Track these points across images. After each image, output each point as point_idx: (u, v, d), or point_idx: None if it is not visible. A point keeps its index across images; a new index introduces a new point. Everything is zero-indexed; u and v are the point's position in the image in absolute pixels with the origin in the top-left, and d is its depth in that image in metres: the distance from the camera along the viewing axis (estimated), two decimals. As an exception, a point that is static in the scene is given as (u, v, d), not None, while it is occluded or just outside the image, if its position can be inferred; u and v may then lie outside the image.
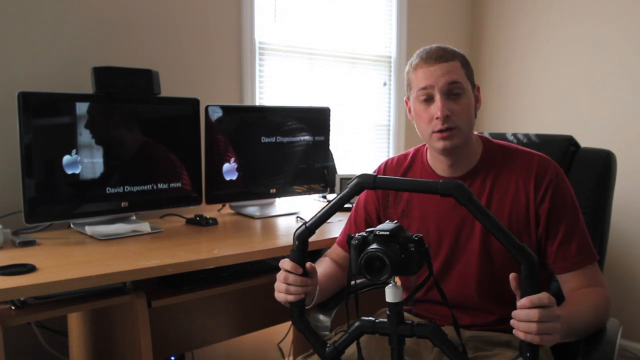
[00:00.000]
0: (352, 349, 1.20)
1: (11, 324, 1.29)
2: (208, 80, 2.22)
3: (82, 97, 1.68)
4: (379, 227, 0.96)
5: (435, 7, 3.08)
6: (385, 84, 2.89)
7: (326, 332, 1.37)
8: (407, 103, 1.33)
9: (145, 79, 1.79)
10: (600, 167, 1.45)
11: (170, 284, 1.55)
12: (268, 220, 1.99)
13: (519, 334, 0.91)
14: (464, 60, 1.25)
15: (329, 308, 1.42)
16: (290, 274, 1.06)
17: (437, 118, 1.21)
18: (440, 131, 1.21)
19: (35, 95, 1.57)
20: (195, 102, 1.90)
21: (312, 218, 1.00)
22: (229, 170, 2.00)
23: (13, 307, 1.32)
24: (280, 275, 1.09)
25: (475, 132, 1.34)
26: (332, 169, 2.31)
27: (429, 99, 1.23)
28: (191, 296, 1.56)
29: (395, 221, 0.99)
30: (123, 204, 1.77)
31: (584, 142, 1.55)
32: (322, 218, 1.00)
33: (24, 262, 1.33)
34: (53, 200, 1.63)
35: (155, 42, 2.07)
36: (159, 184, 1.84)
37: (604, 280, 1.24)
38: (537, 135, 1.59)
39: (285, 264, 1.08)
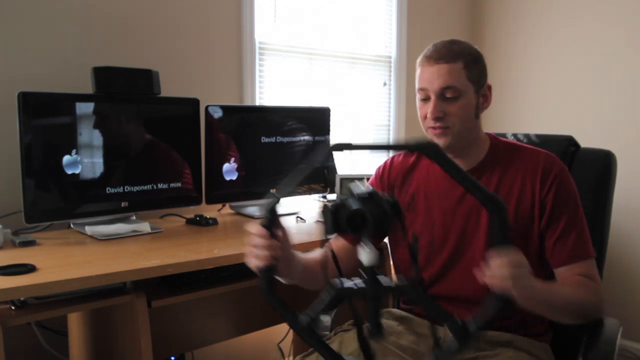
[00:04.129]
0: (351, 348, 1.20)
1: (11, 324, 1.29)
2: (208, 80, 2.22)
3: (82, 97, 1.68)
4: (356, 190, 0.98)
5: (435, 7, 3.08)
6: (385, 84, 2.89)
7: (326, 332, 1.37)
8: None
9: (145, 79, 1.79)
10: (600, 167, 1.45)
11: (170, 284, 1.55)
12: (268, 220, 1.99)
13: (492, 281, 0.93)
14: (470, 60, 1.24)
15: (329, 308, 1.42)
16: (258, 238, 1.03)
17: (429, 117, 1.25)
18: (433, 128, 1.26)
19: (35, 95, 1.57)
20: (195, 102, 1.90)
21: (281, 186, 1.01)
22: (229, 170, 2.00)
23: (13, 307, 1.32)
24: (247, 239, 1.05)
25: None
26: (332, 169, 2.31)
27: (426, 98, 1.26)
28: (191, 296, 1.56)
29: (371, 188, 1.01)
30: (123, 204, 1.77)
31: (584, 142, 1.55)
32: (291, 184, 1.01)
33: (24, 262, 1.33)
34: (53, 201, 1.63)
35: (155, 42, 2.07)
36: (159, 184, 1.84)
37: (597, 277, 1.24)
38: (537, 136, 1.59)
39: (254, 227, 1.05)
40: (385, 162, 1.45)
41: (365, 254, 0.96)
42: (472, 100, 1.26)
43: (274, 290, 1.03)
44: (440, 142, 1.25)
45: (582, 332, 1.29)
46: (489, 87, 1.31)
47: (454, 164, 0.92)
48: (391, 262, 1.47)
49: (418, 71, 1.28)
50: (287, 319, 1.01)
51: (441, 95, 1.23)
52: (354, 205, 0.94)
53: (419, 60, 1.29)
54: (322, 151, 0.99)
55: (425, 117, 1.27)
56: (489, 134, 1.36)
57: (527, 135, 1.60)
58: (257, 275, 1.04)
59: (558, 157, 1.31)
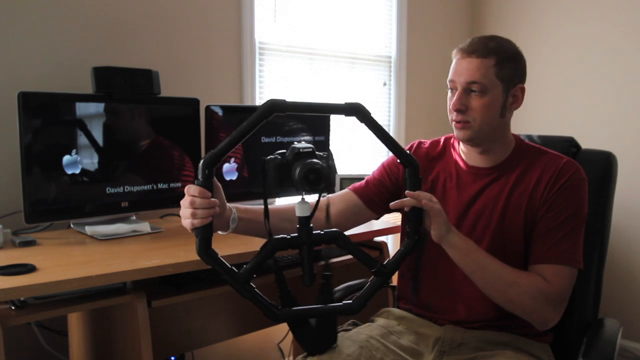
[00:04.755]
0: (351, 348, 1.20)
1: (11, 324, 1.29)
2: (208, 80, 2.22)
3: (82, 97, 1.68)
4: (298, 145, 1.09)
5: (435, 7, 3.08)
6: (385, 84, 2.89)
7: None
8: None
9: (145, 79, 1.79)
10: (601, 168, 1.45)
11: (170, 284, 1.55)
12: (268, 220, 1.99)
13: (419, 200, 1.11)
14: (504, 57, 1.24)
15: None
16: (196, 198, 1.02)
17: (450, 108, 1.27)
18: (455, 121, 1.27)
19: (35, 95, 1.57)
20: (195, 102, 1.90)
21: (221, 144, 1.01)
22: (229, 170, 1.99)
23: (13, 307, 1.31)
24: (185, 201, 1.04)
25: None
26: (332, 169, 2.30)
27: (454, 89, 1.27)
28: (191, 296, 1.56)
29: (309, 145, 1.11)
30: (123, 204, 1.77)
31: (585, 143, 1.55)
32: (229, 144, 1.01)
33: (24, 262, 1.33)
34: (53, 200, 1.63)
35: (155, 42, 2.07)
36: (159, 184, 1.84)
37: (558, 284, 1.18)
38: (539, 137, 1.60)
39: (192, 189, 1.03)
40: (412, 144, 1.45)
41: (300, 206, 1.07)
42: (499, 98, 1.25)
43: (211, 250, 1.06)
44: (460, 135, 1.27)
45: (583, 333, 1.29)
46: (522, 89, 1.30)
47: (378, 125, 1.12)
48: None
49: (453, 61, 1.28)
50: (225, 276, 1.05)
51: (467, 89, 1.23)
52: (308, 161, 1.06)
53: (454, 52, 1.29)
54: (261, 106, 1.02)
55: (450, 110, 1.28)
56: (515, 136, 1.36)
57: (529, 136, 1.60)
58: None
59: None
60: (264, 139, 2.07)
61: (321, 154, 1.11)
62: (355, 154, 2.77)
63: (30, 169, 1.56)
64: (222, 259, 1.05)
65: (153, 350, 1.42)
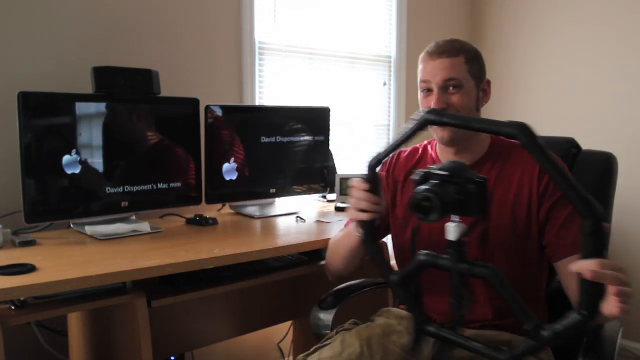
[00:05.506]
0: (352, 347, 1.20)
1: (11, 324, 1.29)
2: (208, 80, 2.22)
3: (82, 97, 1.68)
4: (438, 166, 1.00)
5: (435, 7, 3.08)
6: (385, 84, 2.89)
7: (327, 331, 1.37)
8: None
9: (145, 79, 1.79)
10: (601, 169, 1.45)
11: (170, 284, 1.55)
12: (268, 220, 1.99)
13: (608, 283, 0.83)
14: (470, 56, 1.29)
15: (330, 307, 1.42)
16: (365, 193, 1.10)
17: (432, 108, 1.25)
18: None
19: (35, 95, 1.57)
20: (195, 102, 1.90)
21: (383, 149, 1.08)
22: (229, 170, 2.00)
23: (13, 307, 1.31)
24: (353, 194, 1.13)
25: None
26: (332, 169, 2.31)
27: (428, 91, 1.29)
28: (191, 296, 1.56)
29: (461, 161, 1.03)
30: (123, 204, 1.77)
31: (585, 143, 1.55)
32: (391, 149, 1.07)
33: (24, 262, 1.33)
34: (53, 200, 1.63)
35: (155, 42, 2.07)
36: (159, 184, 1.84)
37: None
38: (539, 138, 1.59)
39: (361, 184, 1.11)
40: (392, 157, 1.46)
41: (450, 229, 0.98)
42: (473, 93, 1.29)
43: (375, 244, 1.11)
44: (444, 135, 1.28)
45: (583, 333, 1.29)
46: (489, 83, 1.35)
47: (547, 153, 0.85)
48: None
49: (420, 67, 1.31)
50: (382, 271, 1.09)
51: (443, 87, 1.26)
52: (426, 184, 0.98)
53: (421, 57, 1.32)
54: (415, 118, 1.02)
55: None
56: None
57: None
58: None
59: (560, 158, 1.31)
60: (264, 139, 2.07)
61: (474, 177, 0.96)
62: (356, 154, 2.77)
63: (31, 169, 1.56)
64: (384, 257, 1.10)
65: (153, 350, 1.42)
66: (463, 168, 0.99)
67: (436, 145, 1.40)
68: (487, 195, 0.96)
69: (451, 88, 1.26)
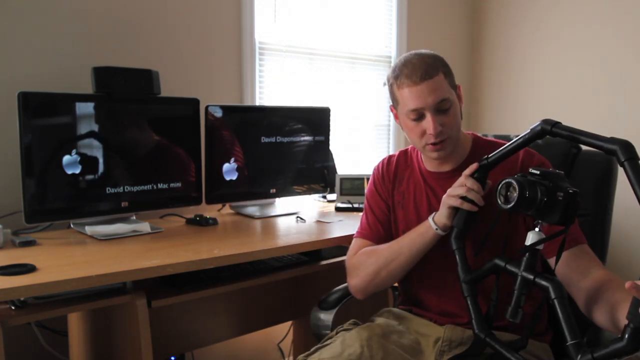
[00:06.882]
0: (353, 347, 1.20)
1: (11, 324, 1.29)
2: (208, 80, 2.22)
3: (82, 97, 1.68)
4: (538, 168, 1.07)
5: (435, 7, 3.08)
6: (385, 84, 2.88)
7: (327, 331, 1.37)
8: (392, 110, 1.37)
9: (145, 79, 1.79)
10: (601, 169, 1.45)
11: (170, 284, 1.55)
12: (268, 220, 1.99)
13: None
14: (445, 69, 1.27)
15: (330, 307, 1.42)
16: (478, 184, 1.16)
17: (430, 133, 1.25)
18: (434, 144, 1.26)
19: (35, 95, 1.57)
20: (195, 102, 1.90)
21: (496, 154, 1.16)
22: (229, 170, 2.00)
23: (13, 307, 1.31)
24: (467, 183, 1.17)
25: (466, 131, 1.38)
26: (332, 169, 2.31)
27: (420, 118, 1.26)
28: (191, 296, 1.56)
29: (561, 172, 1.07)
30: (123, 204, 1.77)
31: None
32: (503, 156, 1.15)
33: (24, 262, 1.33)
34: (53, 201, 1.63)
35: (155, 42, 2.07)
36: (159, 184, 1.84)
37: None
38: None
39: (471, 179, 1.17)
40: (383, 161, 1.47)
41: (529, 234, 1.04)
42: (457, 105, 1.29)
43: (464, 239, 1.18)
44: (441, 155, 1.28)
45: (583, 333, 1.28)
46: (459, 88, 1.33)
47: None
48: None
49: (400, 92, 1.26)
50: (463, 268, 1.17)
51: (436, 109, 1.24)
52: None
53: (398, 81, 1.26)
54: (533, 126, 1.08)
55: (422, 135, 1.27)
56: (469, 133, 1.38)
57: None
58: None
59: (559, 159, 1.32)
60: (264, 139, 2.07)
61: (567, 187, 1.01)
62: (356, 154, 2.77)
63: (31, 169, 1.56)
64: (464, 253, 1.18)
65: (153, 350, 1.42)
66: (561, 177, 1.03)
67: (419, 152, 1.40)
68: (575, 207, 1.00)
69: (442, 109, 1.24)
